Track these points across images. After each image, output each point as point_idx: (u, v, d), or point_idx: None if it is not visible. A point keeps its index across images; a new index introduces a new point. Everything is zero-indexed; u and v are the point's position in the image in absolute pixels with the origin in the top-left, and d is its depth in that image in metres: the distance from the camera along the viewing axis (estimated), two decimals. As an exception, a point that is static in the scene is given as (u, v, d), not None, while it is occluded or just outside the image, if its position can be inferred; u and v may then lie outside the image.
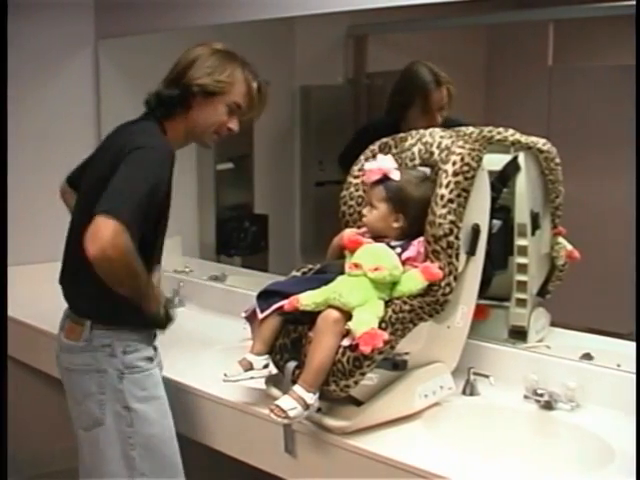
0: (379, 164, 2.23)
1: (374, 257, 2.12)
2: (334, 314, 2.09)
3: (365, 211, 2.26)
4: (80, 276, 2.20)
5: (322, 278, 2.20)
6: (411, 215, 2.19)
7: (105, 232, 1.98)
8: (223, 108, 2.30)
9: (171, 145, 2.25)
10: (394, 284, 2.11)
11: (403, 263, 2.15)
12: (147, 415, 2.27)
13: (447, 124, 2.66)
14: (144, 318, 2.24)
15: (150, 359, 2.31)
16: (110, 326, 2.25)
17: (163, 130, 2.29)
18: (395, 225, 2.21)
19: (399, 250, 2.16)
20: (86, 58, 3.78)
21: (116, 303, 2.15)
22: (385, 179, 2.21)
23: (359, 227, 2.30)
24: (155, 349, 2.35)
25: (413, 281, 2.10)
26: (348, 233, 2.26)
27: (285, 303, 2.16)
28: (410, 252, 2.16)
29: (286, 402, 2.04)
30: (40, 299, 3.49)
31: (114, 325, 2.25)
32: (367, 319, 2.04)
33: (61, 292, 2.40)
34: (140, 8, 3.42)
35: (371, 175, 2.23)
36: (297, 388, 2.06)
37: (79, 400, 2.30)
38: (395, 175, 2.20)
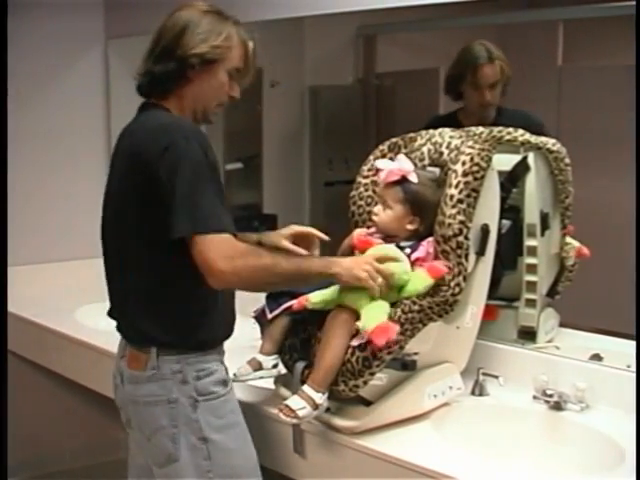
0: (400, 165, 2.20)
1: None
2: (343, 314, 2.09)
3: (377, 210, 2.23)
4: (139, 304, 2.06)
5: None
6: (427, 218, 2.19)
7: (212, 254, 1.87)
8: (224, 75, 2.09)
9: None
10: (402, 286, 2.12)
11: (412, 264, 2.14)
12: (226, 445, 2.07)
13: (503, 114, 2.68)
14: (214, 333, 2.11)
15: (225, 382, 2.10)
16: (179, 350, 2.05)
17: (167, 110, 2.09)
18: (409, 227, 2.20)
19: (408, 251, 2.16)
20: (96, 58, 3.79)
21: (183, 324, 2.04)
22: (403, 180, 2.20)
23: (368, 227, 2.30)
24: (226, 370, 2.14)
25: (420, 280, 2.10)
26: (358, 233, 2.26)
27: (295, 302, 2.16)
28: (419, 252, 2.16)
29: (295, 402, 2.04)
30: (50, 298, 3.52)
31: (183, 349, 2.05)
32: (376, 314, 2.04)
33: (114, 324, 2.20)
34: (149, 8, 3.42)
35: (390, 176, 2.20)
36: (306, 388, 2.06)
37: (148, 435, 2.08)
38: (413, 177, 2.19)
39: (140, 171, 1.96)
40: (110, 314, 2.19)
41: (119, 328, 2.16)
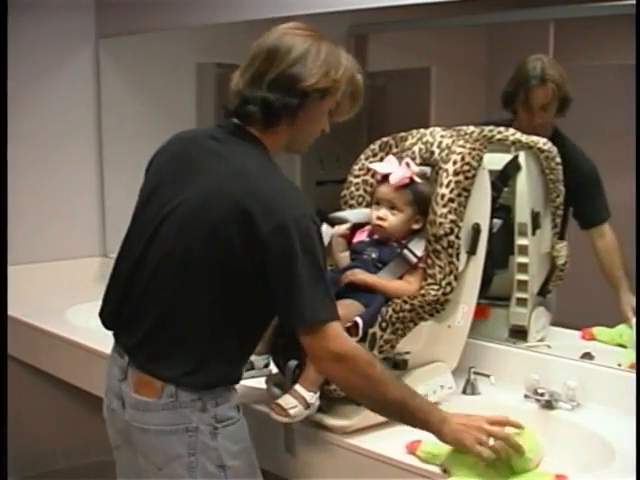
0: (411, 169, 2.20)
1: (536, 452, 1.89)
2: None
3: (384, 215, 2.21)
4: (160, 337, 1.92)
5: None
6: (426, 215, 2.20)
7: (331, 343, 1.81)
8: (327, 109, 1.95)
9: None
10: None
11: (415, 265, 2.16)
12: (240, 471, 1.97)
13: (555, 138, 2.53)
14: (234, 376, 2.00)
15: (238, 407, 2.01)
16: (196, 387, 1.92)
17: (263, 146, 1.94)
18: (415, 227, 2.21)
19: (420, 253, 2.17)
20: (87, 57, 3.77)
21: (208, 372, 1.91)
22: (410, 183, 2.20)
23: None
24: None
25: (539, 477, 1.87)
26: (338, 231, 2.27)
27: None
28: (420, 252, 2.17)
29: (287, 401, 2.04)
30: (41, 298, 3.51)
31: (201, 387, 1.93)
32: None
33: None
34: (141, 7, 3.42)
35: (403, 180, 2.19)
36: (298, 387, 2.05)
37: (160, 464, 1.94)
38: (417, 178, 2.20)
39: (244, 229, 1.81)
40: (109, 324, 2.06)
41: (123, 344, 2.01)
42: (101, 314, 2.10)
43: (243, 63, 1.95)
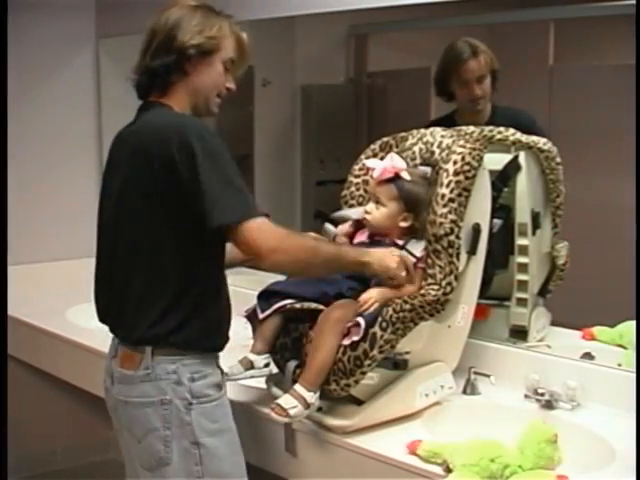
0: (393, 162, 2.21)
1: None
2: (335, 313, 2.10)
3: (369, 208, 2.24)
4: (135, 303, 2.02)
5: (322, 279, 2.20)
6: (420, 214, 2.20)
7: (263, 235, 1.90)
8: (220, 66, 2.10)
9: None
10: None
11: (414, 266, 2.16)
12: (217, 451, 2.02)
13: (497, 112, 2.68)
14: (211, 340, 2.07)
15: (219, 386, 2.07)
16: (174, 351, 2.00)
17: (169, 107, 2.08)
18: (403, 224, 2.20)
19: (418, 254, 2.17)
20: (87, 57, 3.78)
21: (181, 324, 1.99)
22: (396, 178, 2.21)
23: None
24: (222, 373, 2.11)
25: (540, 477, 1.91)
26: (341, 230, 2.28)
27: (286, 303, 2.16)
28: (418, 252, 2.17)
29: (287, 401, 2.04)
30: (41, 298, 3.51)
31: (179, 349, 2.01)
32: None
33: (107, 326, 2.17)
34: (141, 7, 3.41)
35: (384, 173, 2.20)
36: (298, 387, 2.06)
37: (139, 437, 2.03)
38: (406, 175, 2.20)
39: (154, 170, 1.94)
40: (102, 317, 2.16)
41: (113, 329, 2.13)
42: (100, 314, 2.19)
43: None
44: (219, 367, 2.10)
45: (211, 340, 2.08)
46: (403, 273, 2.12)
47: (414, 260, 2.17)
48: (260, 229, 1.90)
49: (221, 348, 2.11)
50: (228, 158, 1.96)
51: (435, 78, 2.87)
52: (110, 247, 2.11)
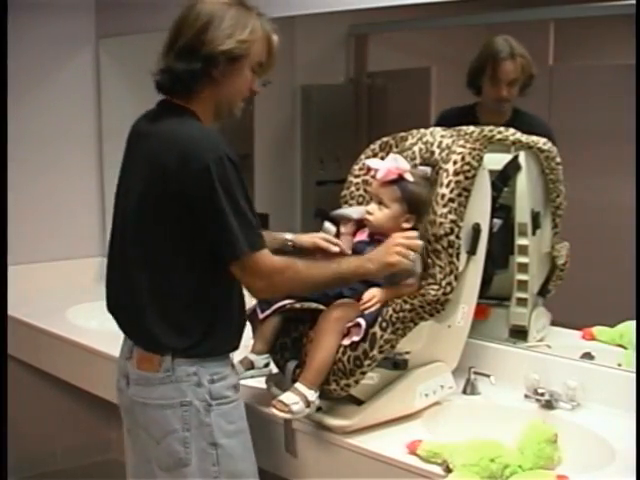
0: (397, 164, 2.20)
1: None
2: (335, 313, 2.10)
3: (372, 209, 2.23)
4: (158, 308, 1.99)
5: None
6: (422, 216, 2.19)
7: (250, 275, 1.95)
8: (248, 72, 2.01)
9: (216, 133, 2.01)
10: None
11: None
12: (233, 451, 2.03)
13: (518, 117, 2.66)
14: (231, 344, 2.08)
15: (236, 387, 2.08)
16: (194, 355, 2.00)
17: (192, 113, 2.00)
18: (405, 226, 2.20)
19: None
20: (87, 57, 3.78)
21: (202, 332, 2.00)
22: (399, 179, 2.20)
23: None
24: (237, 376, 2.13)
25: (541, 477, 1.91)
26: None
27: (286, 302, 2.16)
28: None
29: (289, 397, 2.04)
30: (41, 298, 3.51)
31: (198, 354, 2.01)
32: None
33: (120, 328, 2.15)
34: (141, 7, 3.42)
35: (389, 175, 2.19)
36: (299, 385, 2.06)
37: (158, 438, 2.02)
38: (409, 176, 2.19)
39: (170, 183, 1.91)
40: (112, 311, 2.12)
41: (125, 328, 2.10)
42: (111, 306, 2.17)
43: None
44: (234, 369, 2.11)
45: (231, 344, 2.09)
46: (410, 259, 2.07)
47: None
48: (252, 268, 1.94)
49: (237, 348, 2.11)
50: (241, 187, 1.93)
51: (469, 69, 2.82)
52: (126, 250, 2.06)
